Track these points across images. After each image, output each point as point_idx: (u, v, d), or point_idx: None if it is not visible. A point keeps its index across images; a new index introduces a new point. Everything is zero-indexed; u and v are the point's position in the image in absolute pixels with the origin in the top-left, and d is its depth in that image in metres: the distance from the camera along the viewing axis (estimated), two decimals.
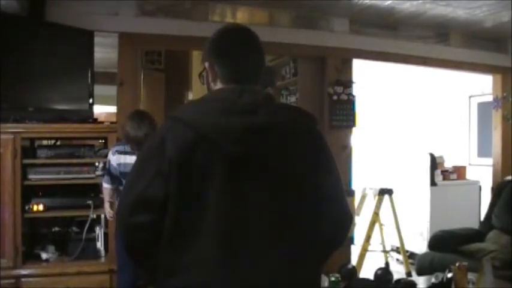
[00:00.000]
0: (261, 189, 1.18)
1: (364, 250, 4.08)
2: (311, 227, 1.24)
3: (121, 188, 2.86)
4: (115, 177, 2.95)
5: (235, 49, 1.29)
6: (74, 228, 3.35)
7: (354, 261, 3.91)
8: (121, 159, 2.88)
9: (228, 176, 1.15)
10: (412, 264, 4.42)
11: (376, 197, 4.29)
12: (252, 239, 1.16)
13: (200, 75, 1.36)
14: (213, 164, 1.15)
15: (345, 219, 1.32)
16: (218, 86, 1.28)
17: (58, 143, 3.54)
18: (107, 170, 2.99)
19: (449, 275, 2.44)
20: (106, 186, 3.00)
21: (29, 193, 3.15)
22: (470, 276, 2.44)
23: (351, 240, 4.17)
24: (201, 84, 1.36)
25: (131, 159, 2.78)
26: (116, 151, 2.91)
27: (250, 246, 1.15)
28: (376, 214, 4.22)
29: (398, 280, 2.70)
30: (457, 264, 2.45)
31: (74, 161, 3.22)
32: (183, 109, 1.33)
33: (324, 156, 1.29)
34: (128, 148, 2.86)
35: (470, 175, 5.51)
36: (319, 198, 1.25)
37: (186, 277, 1.15)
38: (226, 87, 1.26)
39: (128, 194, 1.23)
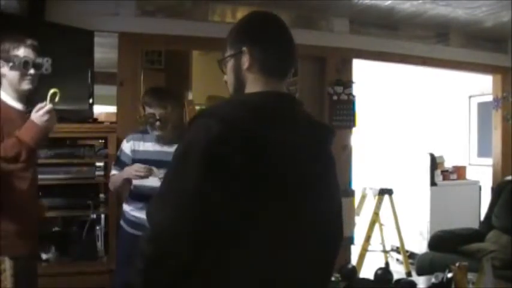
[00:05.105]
0: (293, 202, 1.12)
1: (364, 250, 4.08)
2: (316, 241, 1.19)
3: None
4: (125, 166, 2.66)
5: (282, 38, 1.24)
6: (74, 228, 3.35)
7: (354, 261, 3.91)
8: (135, 145, 2.68)
9: (270, 192, 1.07)
10: (412, 264, 4.42)
11: (376, 197, 4.29)
12: (284, 254, 1.11)
13: (221, 61, 1.25)
14: (256, 178, 1.05)
15: (338, 238, 1.28)
16: (255, 74, 1.19)
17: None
18: (117, 159, 2.76)
19: (449, 275, 2.45)
20: (113, 172, 2.73)
21: None
22: (470, 276, 2.44)
23: (351, 240, 4.17)
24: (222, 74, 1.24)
25: (146, 146, 2.65)
26: (131, 138, 2.71)
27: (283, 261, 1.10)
28: (376, 214, 4.22)
29: (398, 280, 2.70)
30: (457, 264, 2.45)
31: (74, 161, 3.21)
32: (228, 115, 1.08)
33: (333, 171, 1.26)
34: (145, 137, 2.74)
35: (470, 175, 5.51)
36: (323, 213, 1.21)
37: None
38: (266, 92, 1.17)
39: (175, 218, 1.03)
